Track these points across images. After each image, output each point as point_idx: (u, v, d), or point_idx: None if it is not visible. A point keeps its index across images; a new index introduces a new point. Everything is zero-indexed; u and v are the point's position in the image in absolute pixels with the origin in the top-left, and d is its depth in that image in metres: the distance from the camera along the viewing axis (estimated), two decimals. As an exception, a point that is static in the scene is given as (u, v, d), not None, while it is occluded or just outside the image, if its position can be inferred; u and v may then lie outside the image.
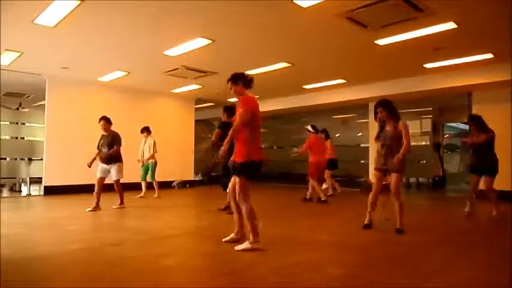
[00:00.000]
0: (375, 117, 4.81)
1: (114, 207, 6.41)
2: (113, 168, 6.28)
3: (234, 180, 3.74)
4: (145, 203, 7.36)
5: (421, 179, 11.90)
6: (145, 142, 8.34)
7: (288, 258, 3.39)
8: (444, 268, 3.17)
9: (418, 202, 8.70)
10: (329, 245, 3.96)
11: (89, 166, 6.25)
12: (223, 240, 3.86)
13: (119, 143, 6.25)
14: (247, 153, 3.55)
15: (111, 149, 6.18)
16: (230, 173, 5.35)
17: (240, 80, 3.75)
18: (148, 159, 8.19)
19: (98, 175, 6.28)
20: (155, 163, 8.26)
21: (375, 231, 4.61)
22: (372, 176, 4.95)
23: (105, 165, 6.28)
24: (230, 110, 5.82)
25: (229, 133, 3.59)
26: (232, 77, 3.81)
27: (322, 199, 7.20)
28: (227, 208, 5.66)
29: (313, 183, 7.35)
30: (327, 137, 8.54)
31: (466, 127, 9.31)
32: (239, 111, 3.60)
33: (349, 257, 3.47)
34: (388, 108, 4.65)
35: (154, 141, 8.25)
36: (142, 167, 8.34)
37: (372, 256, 3.53)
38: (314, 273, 2.95)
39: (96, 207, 6.11)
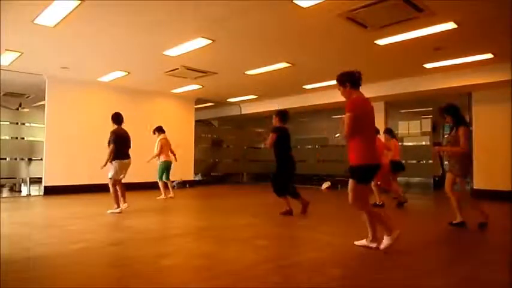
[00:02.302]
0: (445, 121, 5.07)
1: (108, 211, 5.91)
2: (109, 167, 6.03)
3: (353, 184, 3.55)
4: (145, 204, 7.35)
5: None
6: None
7: (288, 258, 3.39)
8: (444, 268, 3.17)
9: (419, 202, 8.70)
10: (329, 245, 3.96)
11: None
12: (356, 243, 3.75)
13: (111, 141, 5.96)
14: (355, 156, 3.43)
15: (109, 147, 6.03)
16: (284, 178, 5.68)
17: (348, 81, 3.50)
18: (152, 158, 8.10)
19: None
20: (163, 163, 8.14)
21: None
22: None
23: None
24: (282, 114, 5.77)
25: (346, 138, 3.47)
26: (339, 78, 3.56)
27: (378, 203, 6.69)
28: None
29: (372, 186, 6.59)
30: (392, 136, 7.54)
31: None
32: (346, 115, 3.39)
33: (349, 257, 3.47)
34: (451, 114, 4.77)
35: (158, 141, 8.15)
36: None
37: (371, 256, 3.53)
38: (314, 273, 2.95)
39: (122, 207, 6.01)
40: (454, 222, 4.81)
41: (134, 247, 3.84)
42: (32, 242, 4.05)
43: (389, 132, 7.50)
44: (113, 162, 5.96)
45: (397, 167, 7.36)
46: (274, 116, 5.85)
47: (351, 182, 3.50)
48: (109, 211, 5.92)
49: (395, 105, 10.69)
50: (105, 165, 5.94)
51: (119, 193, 6.06)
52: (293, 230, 4.85)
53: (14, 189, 9.79)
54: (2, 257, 3.28)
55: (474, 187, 8.48)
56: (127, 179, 6.35)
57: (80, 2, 4.56)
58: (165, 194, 8.08)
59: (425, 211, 7.30)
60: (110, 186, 6.01)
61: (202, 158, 12.93)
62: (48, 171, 8.53)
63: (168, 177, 8.27)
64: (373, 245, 3.60)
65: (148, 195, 8.29)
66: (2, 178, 9.31)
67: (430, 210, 7.67)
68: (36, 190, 9.07)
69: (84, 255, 3.49)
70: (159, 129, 8.31)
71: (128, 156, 6.12)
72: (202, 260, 3.41)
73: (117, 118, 6.21)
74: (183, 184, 10.80)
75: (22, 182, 9.81)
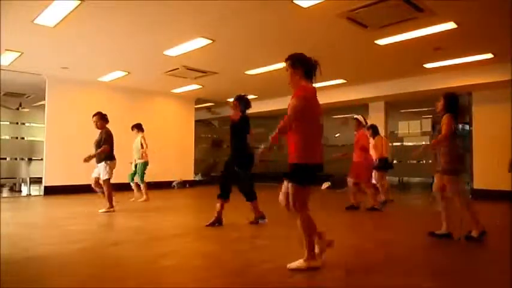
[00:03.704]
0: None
1: (100, 211, 5.91)
2: (101, 167, 6.02)
3: (286, 185, 3.05)
4: (143, 204, 7.35)
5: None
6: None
7: (288, 258, 3.39)
8: (444, 268, 3.17)
9: (418, 202, 8.70)
10: (328, 245, 3.95)
11: (86, 161, 5.94)
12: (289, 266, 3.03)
13: (108, 142, 6.00)
14: (298, 154, 2.92)
15: (98, 147, 6.04)
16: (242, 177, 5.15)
17: (302, 65, 2.99)
18: (140, 158, 7.56)
19: (92, 175, 6.17)
20: (145, 163, 7.58)
21: (373, 231, 4.61)
22: None
23: (97, 164, 6.10)
24: (244, 100, 4.88)
25: (278, 129, 2.86)
26: (292, 57, 2.99)
27: (376, 207, 6.22)
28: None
29: (364, 188, 6.29)
30: (375, 133, 7.21)
31: (466, 127, 9.31)
32: (291, 101, 2.93)
33: (349, 257, 3.47)
34: (447, 101, 4.16)
35: (143, 138, 7.62)
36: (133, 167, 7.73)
37: (371, 256, 3.53)
38: (313, 273, 2.95)
39: (110, 208, 6.02)
40: (437, 232, 4.11)
41: (134, 247, 3.84)
42: (32, 242, 4.04)
43: (372, 128, 7.15)
44: (109, 162, 6.03)
45: (384, 165, 7.21)
46: (234, 102, 4.93)
47: (290, 184, 2.98)
48: (100, 211, 5.93)
49: (395, 105, 10.69)
50: (96, 161, 6.05)
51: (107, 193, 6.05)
52: (292, 230, 4.81)
53: (14, 189, 9.80)
54: (2, 257, 3.28)
55: (474, 187, 8.49)
56: (120, 179, 6.39)
57: (80, 2, 4.57)
58: (146, 196, 7.55)
59: (424, 211, 7.29)
60: (106, 187, 6.04)
61: (202, 158, 12.95)
62: (48, 171, 8.53)
63: (133, 179, 7.70)
64: (315, 264, 2.98)
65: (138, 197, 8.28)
66: (2, 178, 9.32)
67: (429, 210, 7.66)
68: (36, 190, 9.07)
69: (84, 255, 3.50)
70: (138, 127, 7.76)
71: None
72: (202, 260, 3.40)
73: (106, 117, 6.30)
74: (183, 184, 10.80)
75: (22, 182, 9.82)
